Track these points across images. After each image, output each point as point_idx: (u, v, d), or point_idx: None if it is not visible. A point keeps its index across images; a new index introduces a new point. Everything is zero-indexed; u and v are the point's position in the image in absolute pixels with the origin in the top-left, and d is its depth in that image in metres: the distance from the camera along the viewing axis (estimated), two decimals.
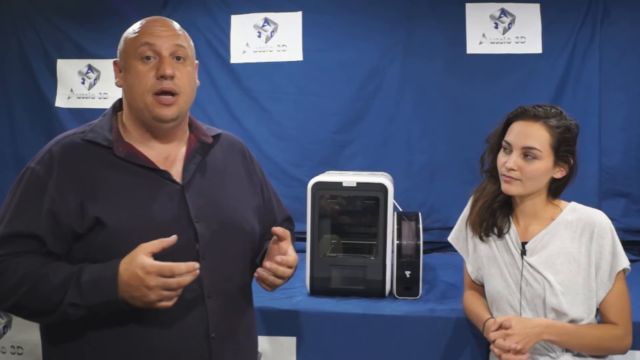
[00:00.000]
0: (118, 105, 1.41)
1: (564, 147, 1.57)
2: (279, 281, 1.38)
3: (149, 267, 1.17)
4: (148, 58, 1.31)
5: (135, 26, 1.36)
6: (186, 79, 1.34)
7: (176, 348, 1.29)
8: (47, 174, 1.26)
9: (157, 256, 1.20)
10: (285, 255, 1.36)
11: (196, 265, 1.19)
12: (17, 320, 2.19)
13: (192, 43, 1.40)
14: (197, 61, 1.43)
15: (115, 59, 1.39)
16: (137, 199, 1.28)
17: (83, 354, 1.28)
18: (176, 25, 1.38)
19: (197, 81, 1.43)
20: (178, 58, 1.33)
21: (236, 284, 1.41)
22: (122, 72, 1.36)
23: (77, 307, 1.20)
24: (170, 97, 1.31)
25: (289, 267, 1.37)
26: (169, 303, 1.20)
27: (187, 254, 1.27)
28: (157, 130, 1.35)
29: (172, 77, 1.30)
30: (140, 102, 1.31)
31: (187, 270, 1.18)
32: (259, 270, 1.37)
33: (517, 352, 1.46)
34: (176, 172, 1.36)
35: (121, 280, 1.18)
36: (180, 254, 1.24)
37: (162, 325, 1.28)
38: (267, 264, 1.36)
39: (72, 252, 1.27)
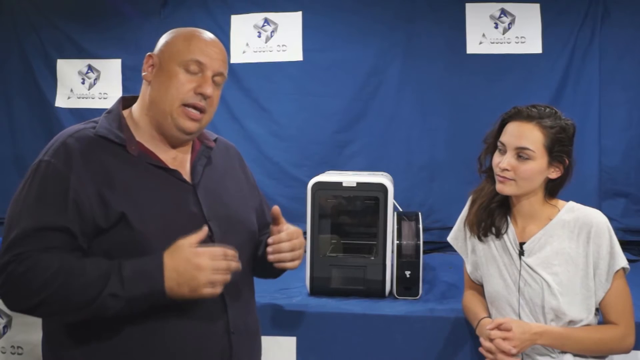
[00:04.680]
0: (123, 103, 1.42)
1: (558, 147, 1.56)
2: (298, 253, 1.44)
3: (200, 250, 1.20)
4: (192, 71, 1.33)
5: (189, 34, 1.37)
6: (216, 101, 1.39)
7: (199, 344, 1.31)
8: (66, 166, 1.25)
9: None
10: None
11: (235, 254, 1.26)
12: (17, 320, 2.19)
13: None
14: None
15: (150, 53, 1.38)
16: (156, 197, 1.30)
17: (101, 352, 1.27)
18: (223, 49, 1.41)
19: None
20: (214, 82, 1.37)
21: (245, 282, 1.46)
22: (156, 69, 1.35)
23: (117, 298, 1.18)
24: (198, 113, 1.34)
25: (297, 237, 1.43)
26: (217, 289, 1.23)
27: None
28: (172, 137, 1.37)
29: (208, 98, 1.34)
30: (167, 106, 1.32)
31: (234, 255, 1.24)
32: (271, 247, 1.41)
33: (511, 355, 1.48)
34: (185, 173, 1.38)
35: (167, 268, 1.19)
36: None
37: (185, 322, 1.29)
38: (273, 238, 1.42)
39: (91, 249, 1.25)
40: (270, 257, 1.41)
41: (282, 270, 1.49)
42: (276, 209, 1.42)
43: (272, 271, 1.49)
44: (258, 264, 1.51)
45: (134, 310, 1.21)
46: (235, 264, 1.25)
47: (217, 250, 1.23)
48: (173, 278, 1.19)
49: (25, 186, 1.26)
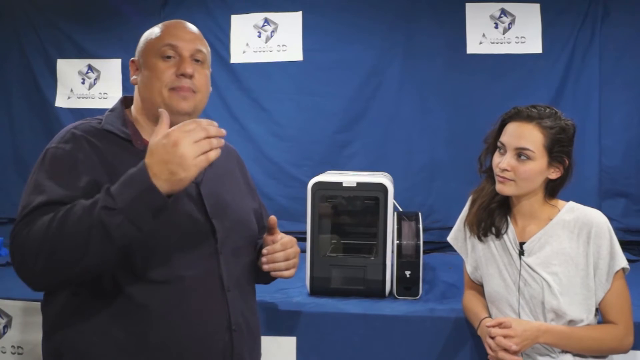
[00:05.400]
0: (125, 102, 1.43)
1: (558, 147, 1.56)
2: (292, 262, 1.44)
3: (169, 129, 1.14)
4: (169, 57, 1.34)
5: (158, 28, 1.39)
6: (204, 79, 1.39)
7: (201, 340, 1.31)
8: (75, 149, 1.27)
9: (178, 249, 1.25)
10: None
11: (214, 122, 1.17)
12: (17, 320, 2.19)
13: (209, 48, 1.44)
14: (211, 69, 1.46)
15: (132, 58, 1.41)
16: None
17: (101, 350, 1.26)
18: (196, 29, 1.42)
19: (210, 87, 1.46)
20: (197, 60, 1.37)
21: (247, 279, 1.47)
22: (140, 69, 1.38)
23: (113, 211, 1.10)
24: (188, 91, 1.34)
25: (291, 247, 1.43)
26: (211, 155, 1.14)
27: (207, 248, 1.31)
28: (171, 126, 1.35)
29: (191, 76, 1.34)
30: (157, 97, 1.33)
31: (210, 122, 1.16)
32: (266, 258, 1.41)
33: (513, 352, 1.47)
34: None
35: (149, 165, 1.11)
36: (200, 247, 1.28)
37: (186, 318, 1.29)
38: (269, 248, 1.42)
39: None
40: (265, 267, 1.42)
41: (274, 278, 1.50)
42: (273, 219, 1.43)
43: (264, 277, 1.51)
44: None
45: (141, 226, 1.12)
46: (215, 129, 1.15)
47: (186, 122, 1.15)
48: (160, 171, 1.11)
49: (35, 171, 1.27)
